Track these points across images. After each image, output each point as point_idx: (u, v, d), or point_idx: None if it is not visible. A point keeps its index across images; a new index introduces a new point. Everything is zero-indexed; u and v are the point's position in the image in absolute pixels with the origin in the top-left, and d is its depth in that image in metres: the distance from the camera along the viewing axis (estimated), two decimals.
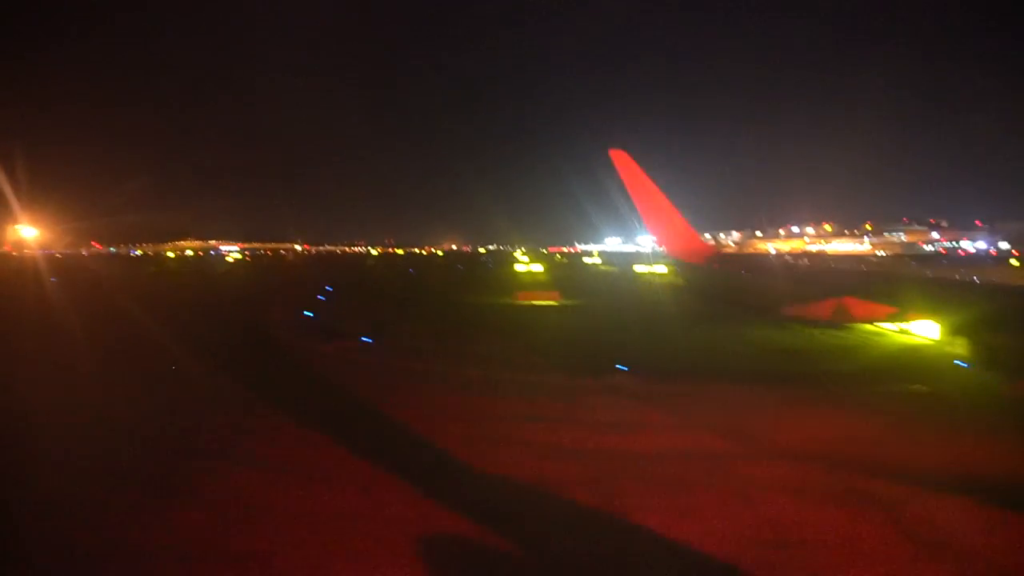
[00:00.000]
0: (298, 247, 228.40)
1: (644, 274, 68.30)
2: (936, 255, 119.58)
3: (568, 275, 67.83)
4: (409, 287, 49.49)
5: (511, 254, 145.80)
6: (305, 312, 28.94)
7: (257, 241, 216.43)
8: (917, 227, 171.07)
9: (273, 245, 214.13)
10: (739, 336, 22.55)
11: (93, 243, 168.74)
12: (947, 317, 22.37)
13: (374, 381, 15.87)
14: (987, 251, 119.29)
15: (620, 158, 10.95)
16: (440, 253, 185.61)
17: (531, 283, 51.21)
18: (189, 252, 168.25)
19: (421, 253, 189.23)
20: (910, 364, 18.14)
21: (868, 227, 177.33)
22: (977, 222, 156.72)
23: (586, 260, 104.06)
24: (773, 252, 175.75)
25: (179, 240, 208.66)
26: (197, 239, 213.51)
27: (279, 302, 35.28)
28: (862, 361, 18.66)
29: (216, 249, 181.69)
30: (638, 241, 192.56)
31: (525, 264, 74.64)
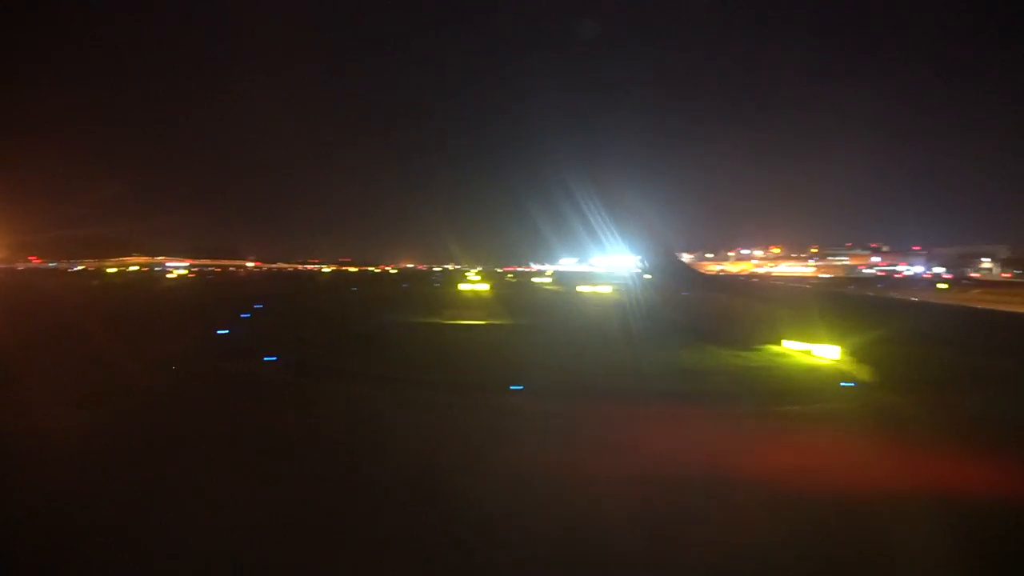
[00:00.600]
0: (250, 264, 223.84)
1: (587, 293, 68.95)
2: (875, 278, 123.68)
3: (511, 294, 67.93)
4: (343, 305, 48.73)
5: (463, 273, 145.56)
6: (220, 331, 28.14)
7: (208, 257, 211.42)
8: (860, 251, 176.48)
9: (224, 262, 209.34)
10: (652, 356, 22.66)
11: (31, 258, 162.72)
12: (848, 338, 23.02)
13: (246, 401, 15.35)
14: (922, 274, 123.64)
15: (605, 181, 10.73)
16: (394, 271, 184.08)
17: (468, 302, 51.03)
18: (134, 268, 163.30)
19: (375, 271, 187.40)
20: (796, 385, 18.42)
21: (814, 250, 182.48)
22: (915, 247, 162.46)
23: (535, 280, 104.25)
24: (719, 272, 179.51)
25: (125, 256, 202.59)
26: (144, 255, 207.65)
27: (200, 318, 34.31)
28: (751, 382, 18.77)
29: (163, 265, 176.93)
30: (591, 262, 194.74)
31: (471, 283, 74.43)
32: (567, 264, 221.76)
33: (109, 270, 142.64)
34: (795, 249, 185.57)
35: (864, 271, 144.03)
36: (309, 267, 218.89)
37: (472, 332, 30.41)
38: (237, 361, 20.55)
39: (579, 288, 73.22)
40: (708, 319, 36.00)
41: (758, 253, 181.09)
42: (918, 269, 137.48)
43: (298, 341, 26.08)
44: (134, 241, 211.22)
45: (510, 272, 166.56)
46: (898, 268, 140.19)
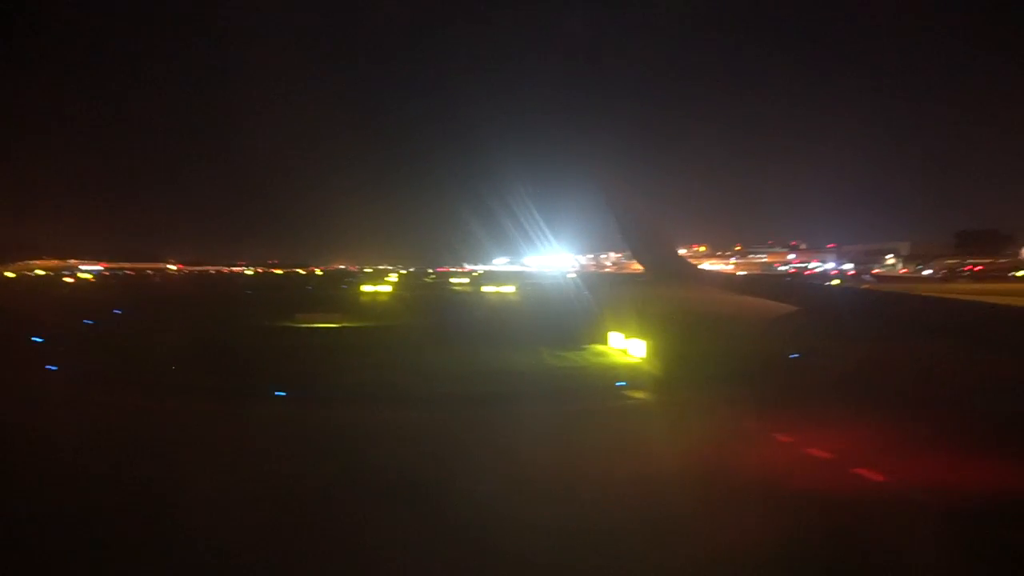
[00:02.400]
0: (172, 267, 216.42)
1: (488, 294, 68.99)
2: (786, 274, 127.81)
3: (411, 295, 67.39)
4: (214, 308, 47.05)
5: (387, 274, 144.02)
6: (35, 338, 26.69)
7: (126, 260, 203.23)
8: (779, 249, 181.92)
9: (143, 265, 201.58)
10: (477, 358, 22.49)
11: None
12: (654, 339, 23.48)
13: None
14: (830, 271, 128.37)
15: (609, 179, 10.12)
16: (320, 272, 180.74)
17: (353, 304, 50.38)
18: (39, 272, 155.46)
19: (301, 272, 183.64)
20: (577, 384, 18.58)
21: (738, 248, 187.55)
22: (830, 244, 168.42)
23: (452, 280, 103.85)
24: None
25: (32, 259, 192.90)
26: (53, 257, 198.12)
27: (34, 325, 32.56)
28: (540, 383, 18.77)
29: (75, 268, 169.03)
30: (524, 262, 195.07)
31: (375, 285, 73.49)
32: (500, 264, 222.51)
33: (8, 274, 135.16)
34: (720, 247, 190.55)
35: (779, 268, 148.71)
36: (234, 269, 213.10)
37: (309, 335, 29.62)
38: (20, 370, 19.45)
39: (483, 288, 73.15)
40: (565, 318, 36.45)
41: (681, 251, 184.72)
42: (828, 266, 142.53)
43: (115, 349, 25.02)
44: (48, 243, 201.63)
45: (433, 273, 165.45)
46: (810, 265, 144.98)
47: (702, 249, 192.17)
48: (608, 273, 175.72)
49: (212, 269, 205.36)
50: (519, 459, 11.19)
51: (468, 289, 77.13)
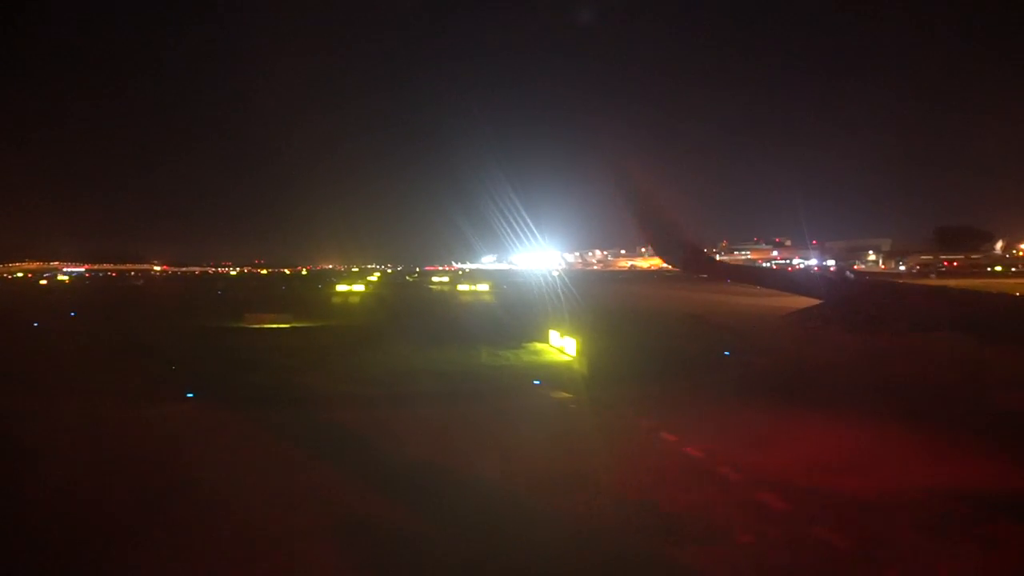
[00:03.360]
0: (157, 268, 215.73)
1: (462, 292, 68.85)
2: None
3: (385, 293, 67.27)
4: (170, 310, 46.59)
5: (371, 273, 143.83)
6: None
7: (111, 262, 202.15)
8: (764, 246, 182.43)
9: (127, 266, 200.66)
10: (418, 357, 22.30)
11: None
12: (592, 337, 23.35)
13: None
14: (813, 267, 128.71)
15: (625, 166, 9.91)
16: (305, 273, 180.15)
17: (322, 303, 50.19)
18: (19, 274, 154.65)
19: (287, 273, 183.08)
20: (500, 384, 18.37)
21: (724, 244, 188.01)
22: (813, 242, 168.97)
23: (433, 279, 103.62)
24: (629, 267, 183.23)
25: (17, 261, 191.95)
26: (37, 260, 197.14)
27: None
28: (467, 382, 18.57)
29: (56, 271, 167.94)
30: (511, 260, 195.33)
31: (348, 284, 73.25)
32: (488, 263, 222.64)
33: None
34: (707, 244, 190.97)
35: (763, 264, 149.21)
36: (220, 270, 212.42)
37: (248, 336, 29.23)
38: None
39: (459, 287, 73.04)
40: (521, 316, 36.38)
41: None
42: (811, 262, 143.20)
43: (38, 351, 24.73)
44: (35, 246, 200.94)
45: (418, 272, 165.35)
46: (793, 261, 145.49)
47: None
48: (593, 271, 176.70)
49: (197, 270, 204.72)
50: (389, 461, 11.01)
51: (445, 288, 76.83)
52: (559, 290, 71.42)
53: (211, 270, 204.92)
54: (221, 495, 9.29)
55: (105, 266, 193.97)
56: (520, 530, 8.15)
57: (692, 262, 9.64)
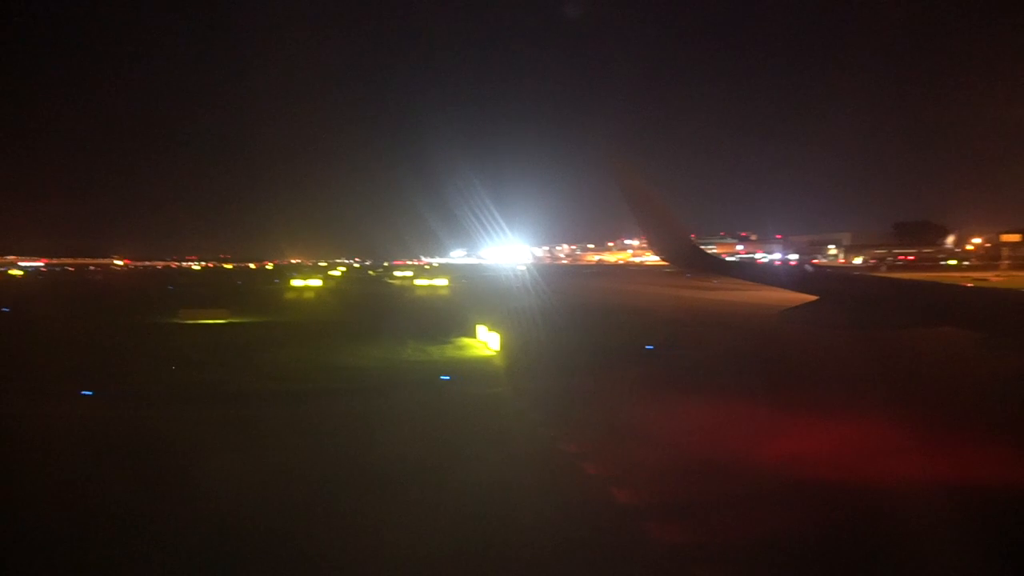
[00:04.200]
0: (118, 262, 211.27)
1: (420, 287, 68.50)
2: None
3: (340, 288, 66.70)
4: (108, 305, 45.49)
5: (334, 267, 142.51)
6: None
7: (72, 256, 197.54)
8: (730, 239, 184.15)
9: (87, 260, 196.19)
10: (342, 352, 22.04)
11: None
12: (511, 333, 23.36)
13: None
14: (776, 261, 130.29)
15: (621, 164, 9.60)
16: (270, 267, 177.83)
17: (274, 298, 49.57)
18: None
19: (252, 267, 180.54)
20: (409, 378, 18.23)
21: (692, 237, 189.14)
22: (778, 236, 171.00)
23: (396, 274, 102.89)
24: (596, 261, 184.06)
25: None
26: None
27: None
28: (380, 377, 18.41)
29: (12, 264, 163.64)
30: (480, 254, 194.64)
31: (304, 279, 72.41)
32: (457, 257, 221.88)
33: None
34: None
35: (727, 258, 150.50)
36: (184, 265, 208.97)
37: (174, 332, 28.66)
38: None
39: (416, 281, 72.63)
40: (464, 310, 36.34)
41: (634, 243, 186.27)
42: (775, 256, 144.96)
43: None
44: None
45: (387, 266, 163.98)
46: (756, 255, 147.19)
47: None
48: (561, 265, 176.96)
49: (160, 265, 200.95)
50: (247, 459, 10.80)
51: (405, 283, 76.31)
52: (517, 284, 71.71)
53: (174, 265, 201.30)
54: (80, 491, 9.05)
55: (65, 260, 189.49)
56: (337, 525, 8.05)
57: (688, 258, 9.60)
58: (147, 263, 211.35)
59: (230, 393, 16.04)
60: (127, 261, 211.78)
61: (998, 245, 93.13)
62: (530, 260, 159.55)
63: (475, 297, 53.82)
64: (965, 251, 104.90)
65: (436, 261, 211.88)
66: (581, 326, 30.13)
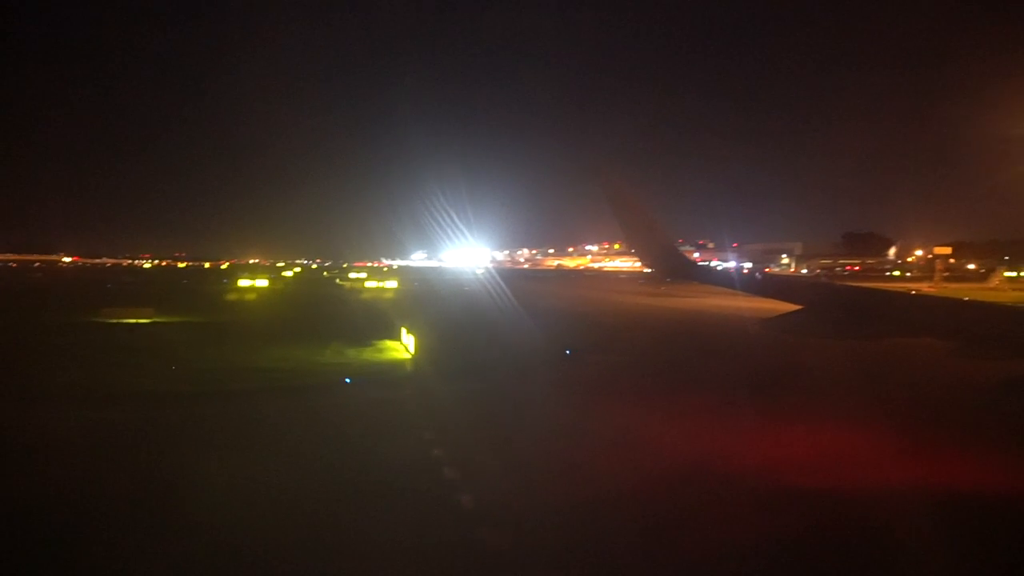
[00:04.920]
0: (66, 259, 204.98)
1: (370, 289, 67.90)
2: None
3: (285, 289, 65.69)
4: (29, 302, 44.06)
5: (289, 268, 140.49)
6: None
7: (16, 252, 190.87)
8: (688, 246, 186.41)
9: (34, 257, 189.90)
10: (252, 355, 21.58)
11: None
12: (433, 336, 23.27)
13: None
14: (730, 269, 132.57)
15: (608, 173, 9.13)
16: (225, 266, 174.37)
17: (192, 298, 48.58)
18: None
19: (206, 266, 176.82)
20: (315, 380, 18.00)
21: (680, 242, 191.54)
22: (735, 244, 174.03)
23: (350, 275, 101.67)
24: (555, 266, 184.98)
25: None
26: None
27: None
28: (282, 379, 18.09)
29: None
30: (441, 257, 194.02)
31: (250, 279, 71.11)
32: (418, 259, 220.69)
33: None
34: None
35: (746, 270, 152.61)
36: (135, 263, 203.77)
37: (87, 331, 27.80)
38: None
39: (366, 284, 72.00)
40: (400, 314, 36.11)
41: (593, 248, 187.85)
42: (730, 264, 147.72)
43: None
44: None
45: (329, 269, 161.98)
46: (712, 263, 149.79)
47: (617, 247, 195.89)
48: (520, 269, 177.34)
49: (109, 262, 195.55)
50: (114, 463, 10.48)
51: (357, 284, 75.45)
52: (468, 287, 71.56)
53: (125, 263, 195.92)
54: None
55: (10, 256, 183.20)
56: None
57: (674, 267, 9.54)
58: (97, 261, 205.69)
59: (102, 395, 15.52)
60: (75, 258, 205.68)
61: (936, 257, 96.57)
62: (490, 264, 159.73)
63: (418, 300, 53.59)
64: (907, 262, 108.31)
65: (396, 263, 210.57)
66: (512, 329, 30.16)
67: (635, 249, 9.97)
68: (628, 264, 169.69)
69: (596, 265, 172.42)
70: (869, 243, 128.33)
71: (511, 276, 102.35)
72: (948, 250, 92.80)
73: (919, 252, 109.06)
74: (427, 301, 53.67)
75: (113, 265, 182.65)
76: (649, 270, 10.70)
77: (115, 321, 30.17)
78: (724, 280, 11.04)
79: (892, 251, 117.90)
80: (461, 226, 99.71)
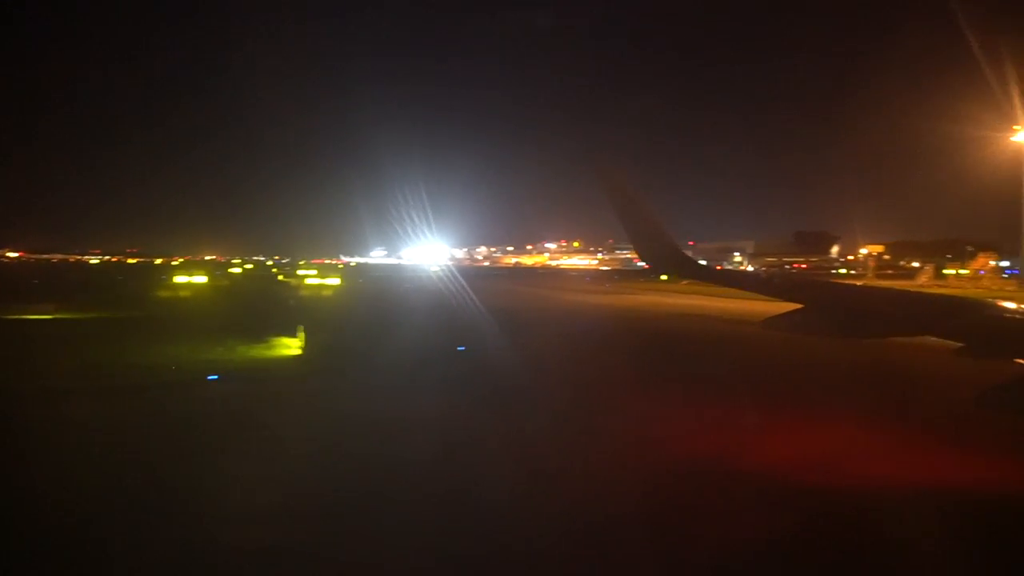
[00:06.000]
0: (12, 254, 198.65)
1: (312, 285, 67.09)
2: (639, 270, 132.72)
3: (222, 285, 64.54)
4: None
5: (239, 265, 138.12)
6: None
7: None
8: None
9: None
10: (146, 353, 20.94)
11: None
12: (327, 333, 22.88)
13: None
14: None
15: (607, 169, 8.52)
16: (176, 263, 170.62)
17: (118, 295, 47.35)
18: None
19: (157, 263, 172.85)
20: (177, 378, 17.50)
21: (610, 242, 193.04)
22: (691, 242, 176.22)
23: (299, 273, 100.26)
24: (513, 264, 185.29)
25: None
26: None
27: None
28: (164, 375, 17.58)
29: None
30: (401, 254, 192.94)
31: (187, 275, 69.55)
32: (377, 256, 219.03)
33: None
34: (595, 242, 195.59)
35: (638, 263, 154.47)
36: (84, 259, 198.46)
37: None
38: None
39: (307, 281, 71.11)
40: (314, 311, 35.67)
41: (551, 246, 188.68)
42: None
43: None
44: None
45: (278, 267, 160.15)
46: None
47: (576, 245, 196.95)
48: (478, 267, 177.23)
49: (56, 258, 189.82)
50: None
51: (298, 282, 74.33)
52: (412, 285, 71.09)
53: (72, 259, 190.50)
54: None
55: None
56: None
57: (674, 263, 9.28)
58: (43, 256, 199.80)
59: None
60: (22, 253, 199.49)
61: (878, 255, 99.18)
62: (449, 261, 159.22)
63: (351, 297, 53.15)
64: (848, 260, 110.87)
65: (355, 260, 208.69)
66: (422, 325, 30.00)
67: (636, 246, 9.87)
68: (585, 262, 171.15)
69: (554, 263, 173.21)
70: (819, 241, 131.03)
71: (464, 273, 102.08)
72: (881, 248, 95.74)
73: (864, 251, 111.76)
74: (359, 298, 53.19)
75: (60, 261, 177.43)
76: (644, 265, 10.57)
77: (6, 318, 29.11)
78: (728, 279, 11.02)
79: (835, 249, 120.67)
80: (421, 223, 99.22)
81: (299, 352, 21.44)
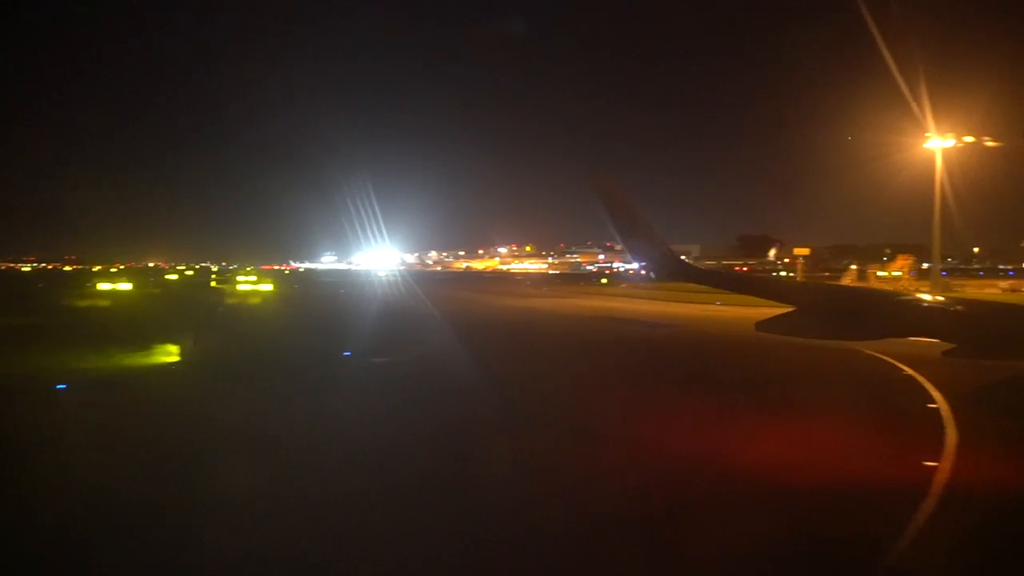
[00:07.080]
0: None
1: (243, 291, 66.09)
2: (589, 273, 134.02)
3: (148, 292, 62.96)
4: None
5: (177, 272, 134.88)
6: None
7: None
8: (595, 248, 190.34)
9: None
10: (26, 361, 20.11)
11: None
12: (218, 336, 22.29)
13: None
14: (628, 271, 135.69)
15: (601, 175, 8.79)
16: (114, 270, 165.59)
17: (32, 303, 45.67)
18: None
19: (95, 269, 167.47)
20: (37, 384, 16.84)
21: (562, 246, 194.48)
22: None
23: (237, 279, 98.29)
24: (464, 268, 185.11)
25: None
26: None
27: None
28: (26, 382, 16.87)
29: None
30: (352, 260, 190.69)
31: (112, 282, 67.87)
32: (328, 262, 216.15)
33: None
34: (547, 246, 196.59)
35: (587, 267, 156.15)
36: (17, 266, 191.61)
37: None
38: None
39: (239, 287, 69.92)
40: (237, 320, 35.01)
41: (503, 250, 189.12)
42: (633, 266, 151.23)
43: None
44: None
45: (218, 273, 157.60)
46: (614, 265, 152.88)
47: (528, 249, 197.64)
48: (428, 271, 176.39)
49: None
50: None
51: (230, 288, 72.85)
52: (343, 291, 70.21)
53: (4, 267, 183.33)
54: None
55: None
56: None
57: (667, 267, 8.97)
58: None
59: None
60: None
61: (815, 258, 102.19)
62: (399, 266, 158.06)
63: (274, 303, 52.31)
64: (785, 263, 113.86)
65: (304, 266, 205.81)
66: (327, 331, 29.59)
67: (630, 251, 9.72)
68: (536, 266, 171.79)
69: (504, 267, 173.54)
70: (762, 245, 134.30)
71: (408, 278, 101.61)
72: (807, 251, 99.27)
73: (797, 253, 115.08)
74: (284, 304, 52.30)
75: None
76: (640, 268, 10.44)
77: None
78: (719, 282, 10.95)
79: (772, 252, 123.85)
80: (372, 229, 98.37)
81: (176, 359, 20.86)
